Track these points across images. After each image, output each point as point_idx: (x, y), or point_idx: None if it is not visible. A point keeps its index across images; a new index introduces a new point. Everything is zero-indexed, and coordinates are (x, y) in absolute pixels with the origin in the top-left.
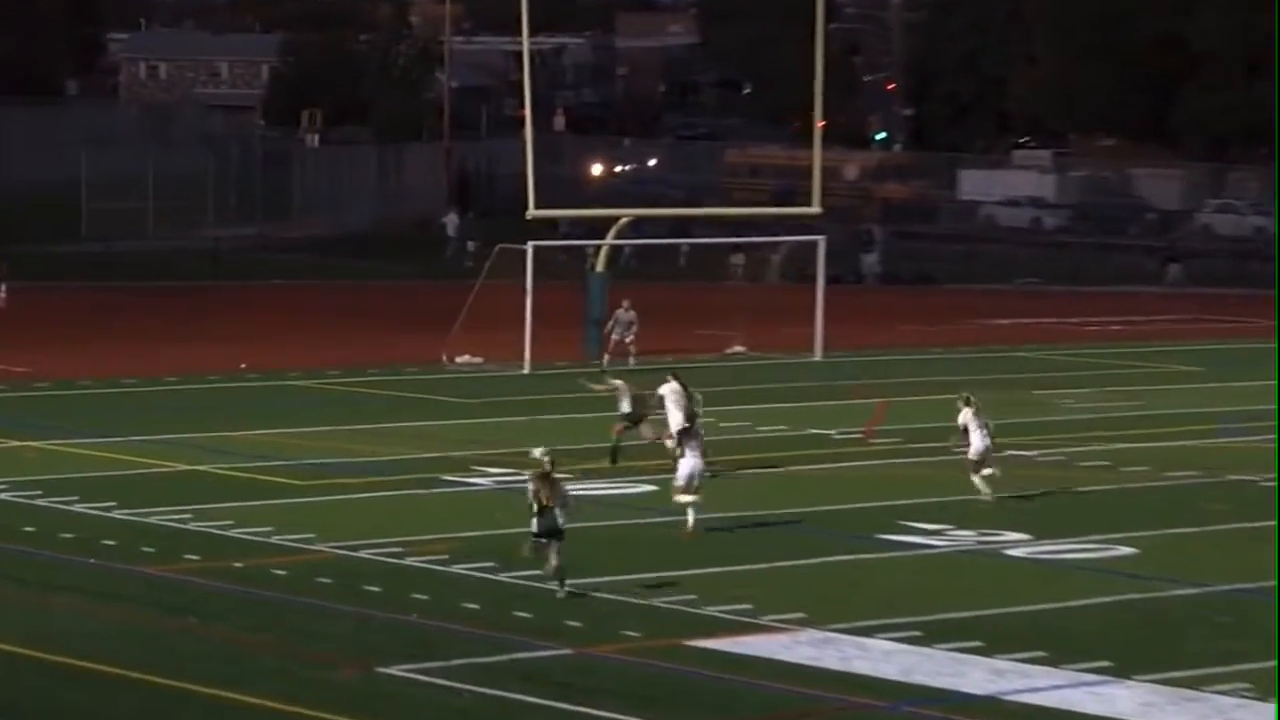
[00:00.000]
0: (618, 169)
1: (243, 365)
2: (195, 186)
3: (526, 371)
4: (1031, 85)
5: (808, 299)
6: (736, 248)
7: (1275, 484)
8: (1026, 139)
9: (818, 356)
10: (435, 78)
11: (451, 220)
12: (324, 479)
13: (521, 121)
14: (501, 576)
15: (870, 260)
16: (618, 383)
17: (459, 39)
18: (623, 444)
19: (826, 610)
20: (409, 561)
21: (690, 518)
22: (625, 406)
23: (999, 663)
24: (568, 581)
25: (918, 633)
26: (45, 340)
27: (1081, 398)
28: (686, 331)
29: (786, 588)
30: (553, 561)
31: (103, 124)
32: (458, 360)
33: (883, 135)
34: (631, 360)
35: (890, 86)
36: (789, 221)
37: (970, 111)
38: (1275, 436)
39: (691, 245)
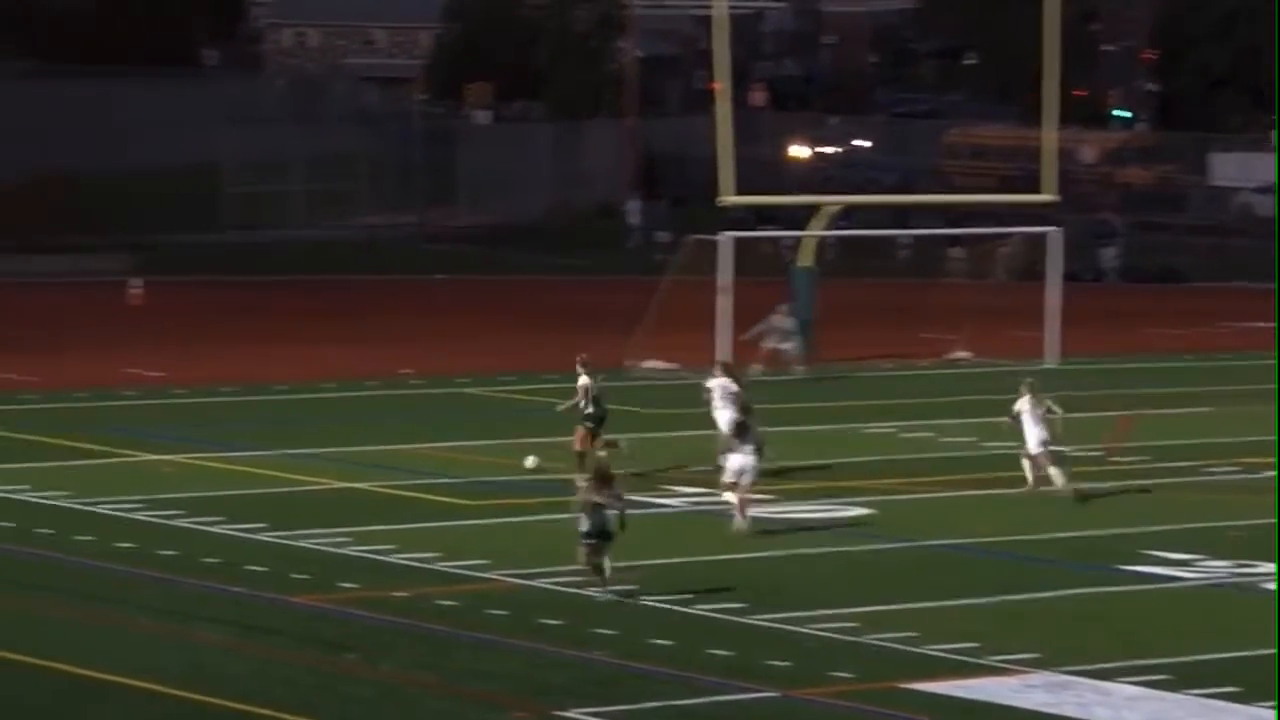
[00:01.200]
0: (823, 150)
1: (405, 370)
2: (348, 169)
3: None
4: None
5: (1038, 298)
6: (956, 240)
7: (1275, 483)
8: None
9: (1050, 363)
10: (618, 47)
11: (634, 207)
12: (497, 499)
13: (715, 96)
14: (696, 609)
15: (1109, 254)
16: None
17: (644, 3)
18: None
19: (1061, 650)
20: (591, 592)
21: (737, 516)
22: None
23: (1259, 711)
24: (611, 588)
25: (1166, 676)
26: (182, 341)
27: None
28: (903, 334)
29: (1016, 624)
30: (595, 561)
31: (244, 98)
32: (643, 365)
33: (1124, 113)
34: (800, 369)
35: (1144, 56)
36: (1018, 211)
37: (1224, 86)
38: (1275, 436)
39: (905, 237)
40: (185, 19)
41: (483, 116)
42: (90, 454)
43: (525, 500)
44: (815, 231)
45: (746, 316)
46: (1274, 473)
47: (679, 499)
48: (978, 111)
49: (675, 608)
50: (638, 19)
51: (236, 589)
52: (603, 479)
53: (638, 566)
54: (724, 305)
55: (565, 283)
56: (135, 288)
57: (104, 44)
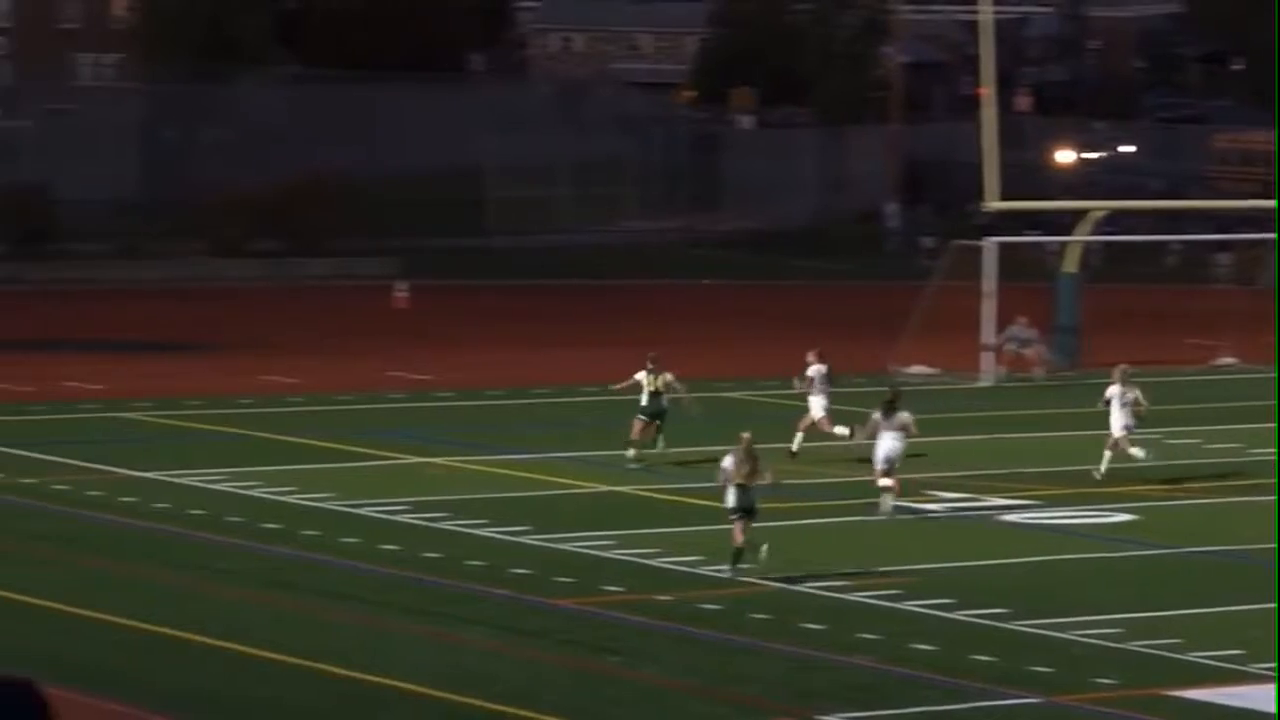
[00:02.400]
0: (1089, 156)
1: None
2: (613, 174)
3: (986, 384)
4: None
5: None
6: (1223, 246)
7: (1275, 482)
8: None
9: None
10: (883, 52)
11: (892, 210)
12: (761, 503)
13: (980, 101)
14: (959, 615)
15: None
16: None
17: (909, 8)
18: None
19: None
20: (856, 597)
21: (885, 502)
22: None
23: None
24: (740, 565)
25: None
26: (448, 344)
27: None
28: (1168, 340)
29: None
30: (738, 541)
31: (509, 103)
32: (907, 370)
33: None
34: (1039, 371)
35: None
36: None
37: None
38: (1275, 436)
39: (1174, 242)
40: (452, 25)
41: (747, 122)
42: (355, 456)
43: (786, 505)
44: (1080, 237)
45: (1009, 322)
46: (1275, 475)
47: (941, 504)
48: (1245, 117)
49: (938, 613)
50: (903, 24)
51: (501, 592)
52: (750, 460)
53: (902, 571)
54: (988, 310)
55: (827, 287)
56: (401, 291)
57: (371, 50)
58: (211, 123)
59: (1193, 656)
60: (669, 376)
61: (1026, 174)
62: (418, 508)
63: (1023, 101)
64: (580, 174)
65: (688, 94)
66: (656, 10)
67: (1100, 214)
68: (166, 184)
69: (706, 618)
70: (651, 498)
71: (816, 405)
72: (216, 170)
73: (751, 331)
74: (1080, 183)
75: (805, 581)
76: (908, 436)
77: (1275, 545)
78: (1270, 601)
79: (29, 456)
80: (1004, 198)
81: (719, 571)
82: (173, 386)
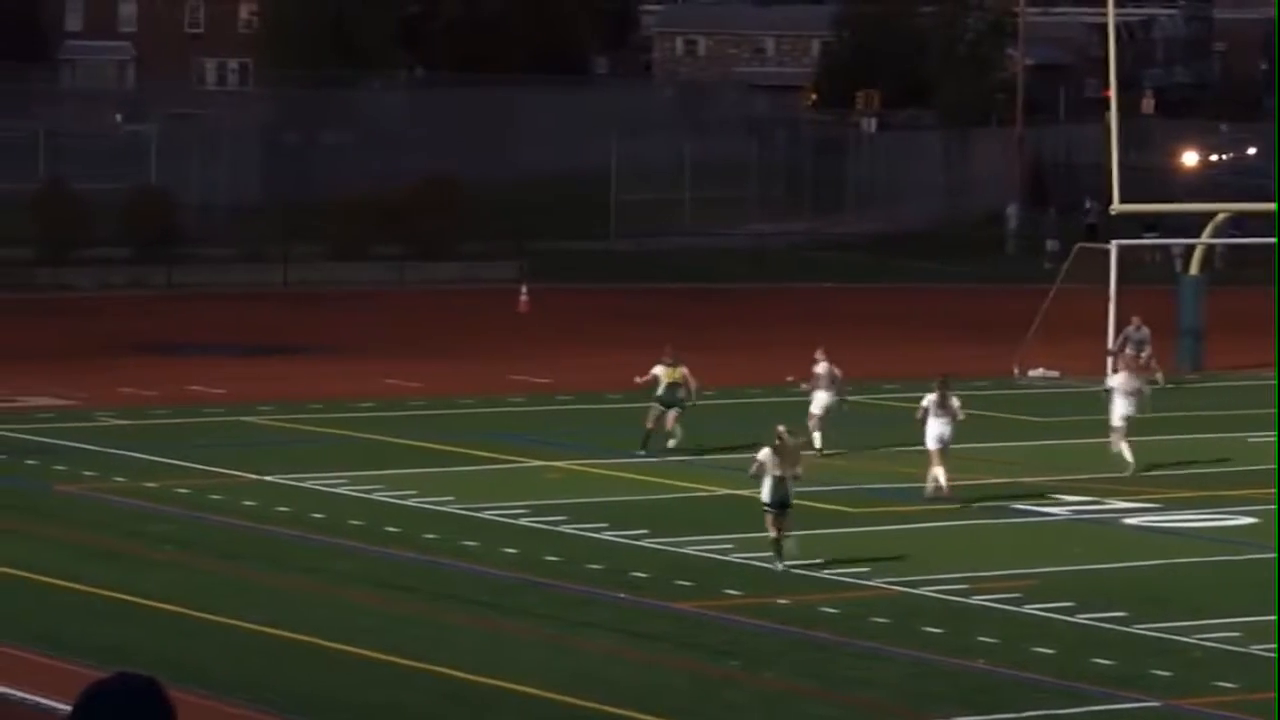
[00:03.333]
0: (1214, 158)
1: (790, 378)
2: (737, 177)
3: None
4: None
5: None
6: None
7: (1275, 483)
8: None
9: None
10: (1008, 54)
11: (1012, 212)
12: (880, 506)
13: (1105, 104)
14: (1079, 618)
15: None
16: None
17: (1035, 10)
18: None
19: None
20: (975, 600)
21: (941, 482)
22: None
23: None
24: (785, 561)
25: None
26: (569, 348)
27: None
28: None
29: None
30: (772, 533)
31: (634, 106)
32: (1031, 374)
33: None
34: (1159, 378)
35: None
36: None
37: None
38: (1275, 432)
39: None
40: (576, 28)
41: (870, 124)
42: (476, 459)
43: (907, 508)
44: (1205, 240)
45: (1125, 324)
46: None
47: (1063, 508)
48: None
49: (1058, 616)
50: (1028, 26)
51: (621, 595)
52: (786, 454)
53: (1022, 575)
54: (1112, 314)
55: (953, 290)
56: (523, 295)
57: (494, 53)
58: (334, 126)
59: None
60: (685, 370)
61: (1152, 176)
62: (537, 511)
63: (1148, 103)
64: (703, 177)
65: (811, 97)
66: (780, 13)
67: (1224, 216)
68: (289, 188)
69: (825, 621)
70: None
71: (818, 402)
72: (339, 174)
73: (872, 335)
74: (1205, 185)
75: (925, 585)
76: (956, 421)
77: (1275, 549)
78: None
79: (152, 460)
80: (1129, 200)
81: (888, 583)
82: (294, 390)
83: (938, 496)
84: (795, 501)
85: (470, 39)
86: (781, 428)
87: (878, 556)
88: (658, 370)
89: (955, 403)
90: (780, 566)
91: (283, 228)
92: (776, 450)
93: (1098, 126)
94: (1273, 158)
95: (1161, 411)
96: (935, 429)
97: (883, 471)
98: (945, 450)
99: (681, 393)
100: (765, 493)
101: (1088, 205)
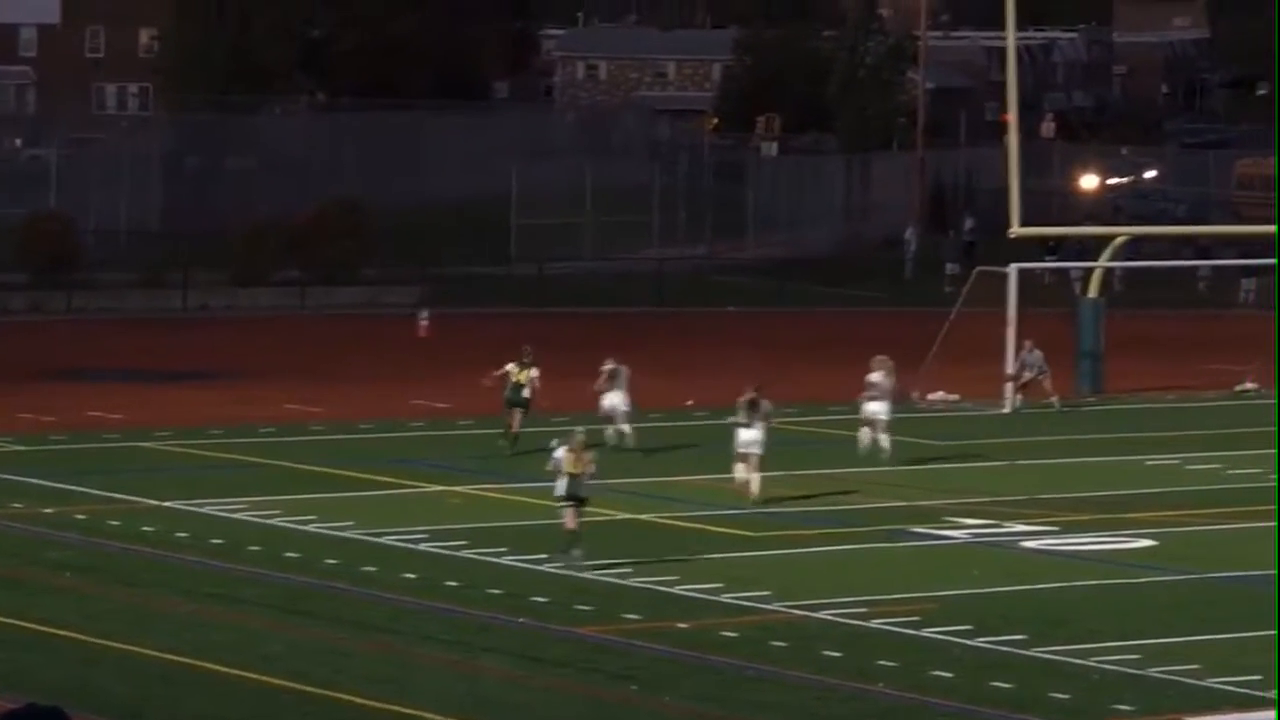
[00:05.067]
0: (1113, 181)
1: (688, 401)
2: (638, 201)
3: (1008, 411)
4: None
5: None
6: (1248, 271)
7: (1275, 485)
8: None
9: None
10: (908, 78)
11: (911, 235)
12: (779, 530)
13: (1005, 127)
14: (978, 641)
15: None
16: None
17: (935, 34)
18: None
19: None
20: (875, 624)
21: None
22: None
23: None
24: (585, 561)
25: None
26: (470, 372)
27: None
28: (1190, 366)
29: None
30: (569, 525)
31: (536, 130)
32: (930, 397)
33: None
34: (1056, 401)
35: None
36: None
37: None
38: (1275, 437)
39: (1204, 268)
40: (477, 53)
41: (771, 149)
42: (376, 485)
43: (806, 531)
44: (1105, 263)
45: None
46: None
47: (962, 530)
48: (1270, 141)
49: (957, 639)
50: (929, 50)
51: (521, 620)
52: (581, 451)
53: (922, 598)
54: (1010, 337)
55: (852, 314)
56: (423, 319)
57: (395, 79)
58: (236, 152)
59: (1211, 683)
60: (535, 373)
61: (1052, 199)
62: (437, 536)
63: (1048, 127)
64: (604, 201)
65: (713, 121)
66: (681, 37)
67: (1123, 240)
68: (190, 213)
69: (725, 645)
70: (670, 525)
71: (612, 399)
72: (240, 199)
73: (773, 359)
74: (1104, 209)
75: (824, 609)
76: (768, 426)
77: (1275, 558)
78: None
79: (50, 486)
80: (1029, 224)
81: (788, 607)
82: (194, 415)
83: (744, 496)
84: (697, 525)
85: (372, 64)
86: (579, 429)
87: (778, 580)
88: (510, 367)
89: (767, 405)
90: (576, 553)
91: (184, 253)
92: (572, 449)
93: (998, 150)
94: (1274, 160)
95: (1060, 434)
96: (744, 434)
97: (782, 495)
98: (748, 457)
99: (525, 393)
100: (559, 488)
101: (968, 224)
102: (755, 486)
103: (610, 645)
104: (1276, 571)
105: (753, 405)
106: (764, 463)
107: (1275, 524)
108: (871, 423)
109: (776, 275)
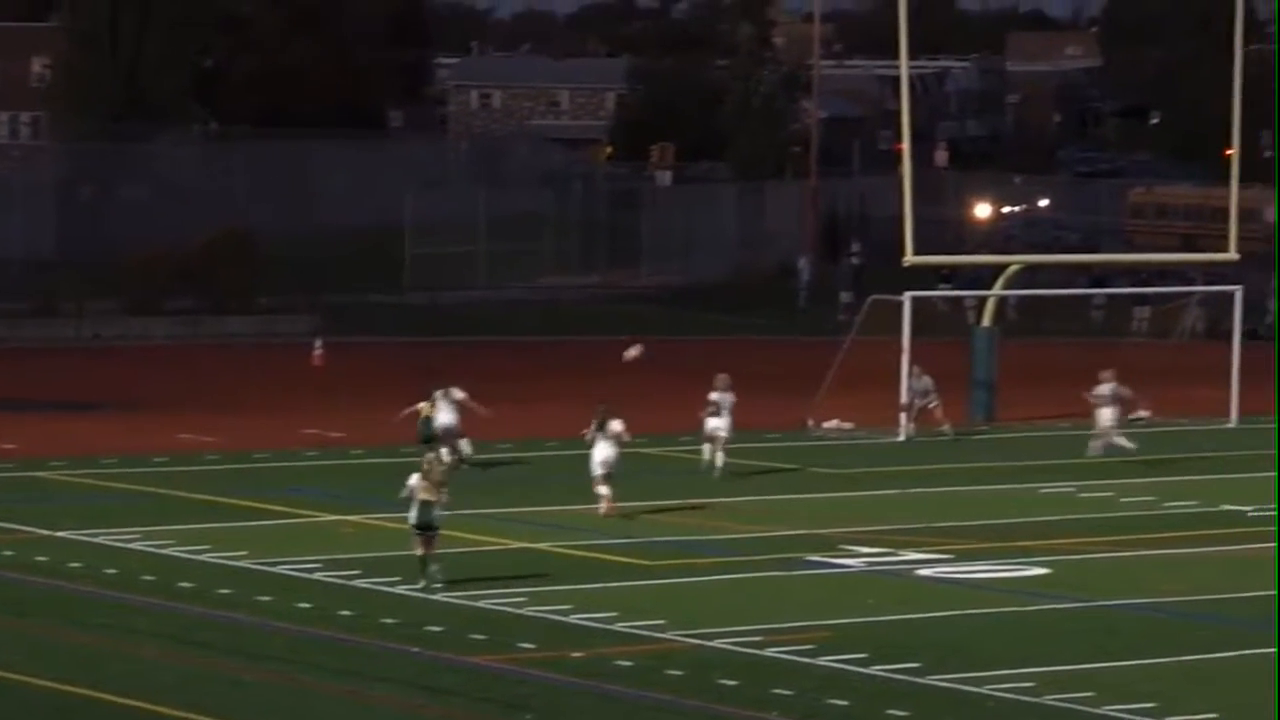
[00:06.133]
0: (1006, 210)
1: (583, 430)
2: (532, 230)
3: (902, 439)
4: None
5: (1222, 358)
6: (1141, 299)
7: (1275, 487)
8: None
9: (1234, 423)
10: (802, 107)
11: (804, 264)
12: (674, 558)
13: (899, 156)
14: (873, 669)
15: None
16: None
17: (828, 63)
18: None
19: (1241, 710)
20: (770, 652)
21: (602, 506)
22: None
23: None
24: (438, 583)
25: None
26: (364, 402)
27: None
28: (1084, 394)
29: (1195, 684)
30: (418, 552)
31: (429, 160)
32: (825, 425)
33: None
34: (948, 429)
35: None
36: (1202, 270)
37: None
38: (1275, 438)
39: (1099, 296)
40: (371, 82)
41: (665, 178)
42: (270, 514)
43: (701, 560)
44: (998, 291)
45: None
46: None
47: (857, 559)
48: (1161, 171)
49: (852, 668)
50: (822, 79)
51: (415, 650)
52: (436, 480)
53: (817, 626)
54: (904, 365)
55: (747, 343)
56: (317, 349)
57: (289, 108)
58: (129, 181)
59: (1105, 710)
60: (458, 394)
61: (946, 228)
62: (331, 565)
63: (941, 156)
64: (499, 230)
65: (606, 150)
66: (574, 67)
67: (1017, 268)
68: (83, 242)
69: (620, 674)
70: (565, 554)
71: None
72: (133, 228)
73: (666, 387)
74: (998, 237)
75: (720, 637)
76: (620, 444)
77: (1275, 569)
78: (1184, 654)
79: None
80: (922, 252)
81: (682, 635)
82: (87, 445)
83: (610, 515)
84: (591, 555)
85: (266, 93)
86: (430, 455)
87: (673, 609)
88: (422, 405)
89: (618, 425)
90: (423, 584)
91: (77, 282)
92: (424, 475)
93: (892, 178)
94: (1274, 167)
95: (954, 462)
96: (600, 453)
97: (677, 524)
98: (610, 475)
99: (434, 428)
100: (412, 515)
101: (853, 248)
102: (610, 505)
103: (505, 674)
104: (1277, 571)
105: (601, 426)
106: (612, 480)
107: (1276, 525)
108: (712, 439)
109: (670, 303)
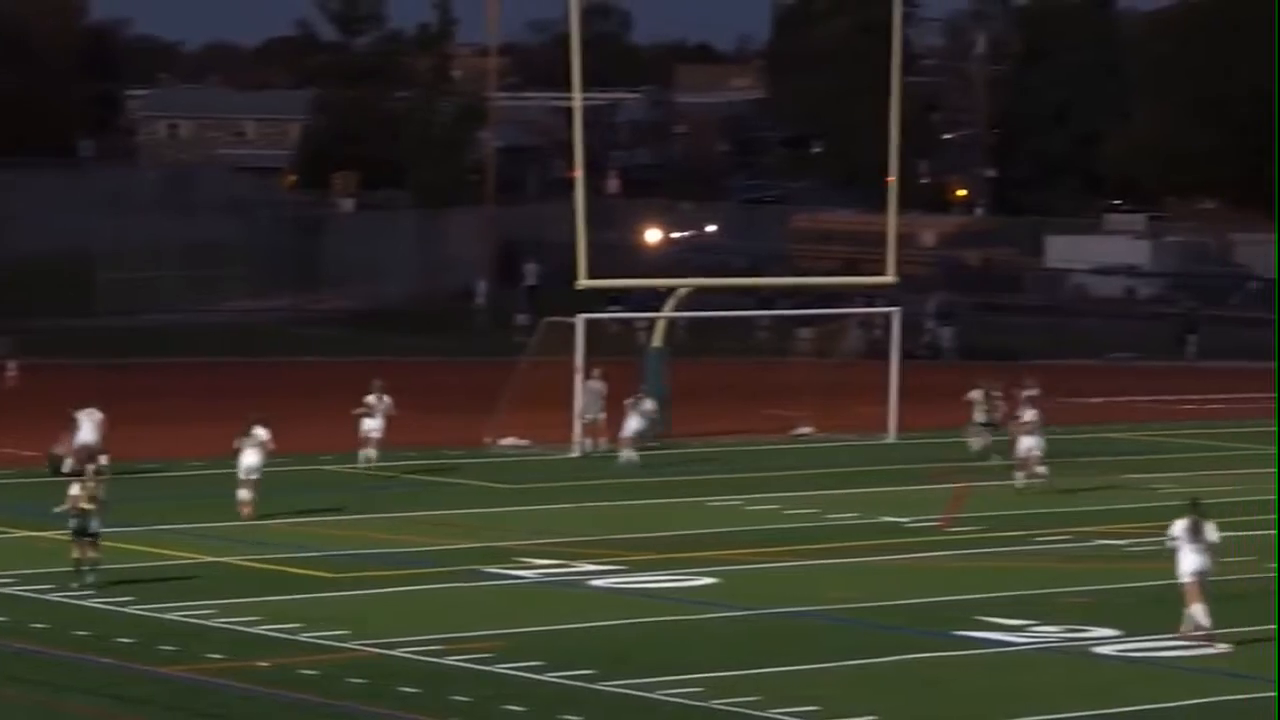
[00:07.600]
0: (676, 235)
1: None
2: (220, 255)
3: (576, 455)
4: (1126, 144)
5: (881, 376)
6: (805, 320)
7: (1276, 490)
8: (1119, 202)
9: (892, 438)
10: (479, 137)
11: (481, 289)
12: (358, 571)
13: (572, 184)
14: (548, 677)
15: (948, 334)
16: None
17: (504, 95)
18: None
19: (901, 712)
20: (450, 661)
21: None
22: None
23: None
24: (92, 583)
25: None
26: (56, 421)
27: (1177, 481)
28: (750, 411)
29: (857, 689)
30: (75, 554)
31: (119, 187)
32: (502, 443)
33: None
34: (603, 440)
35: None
36: (862, 292)
37: (1059, 172)
38: (1275, 438)
39: (764, 317)
40: (62, 111)
41: (348, 205)
42: None
43: (384, 572)
44: (668, 314)
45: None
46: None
47: (532, 570)
48: (824, 198)
49: (528, 675)
50: (498, 110)
51: (106, 660)
52: (92, 493)
53: (495, 636)
54: (579, 384)
55: (428, 364)
56: (10, 370)
57: None
58: None
59: (772, 713)
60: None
61: (617, 253)
62: (22, 580)
63: (613, 184)
64: (188, 256)
65: (291, 178)
66: (259, 97)
67: (687, 291)
68: None
69: (306, 683)
70: (252, 567)
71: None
72: None
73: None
74: (668, 261)
75: (402, 647)
76: (266, 451)
77: (1275, 570)
78: (847, 659)
79: None
80: (595, 276)
81: (365, 645)
82: None
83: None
84: (277, 567)
85: None
86: (90, 466)
87: (356, 619)
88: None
89: (263, 434)
90: (75, 586)
91: None
92: (83, 486)
93: (566, 205)
94: (1274, 177)
95: (627, 477)
96: (246, 459)
97: (361, 538)
98: (253, 481)
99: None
100: (72, 523)
101: (529, 268)
102: (250, 509)
103: (193, 685)
104: (1277, 572)
105: (249, 433)
106: (260, 486)
107: (1275, 526)
108: (365, 439)
109: (354, 326)
